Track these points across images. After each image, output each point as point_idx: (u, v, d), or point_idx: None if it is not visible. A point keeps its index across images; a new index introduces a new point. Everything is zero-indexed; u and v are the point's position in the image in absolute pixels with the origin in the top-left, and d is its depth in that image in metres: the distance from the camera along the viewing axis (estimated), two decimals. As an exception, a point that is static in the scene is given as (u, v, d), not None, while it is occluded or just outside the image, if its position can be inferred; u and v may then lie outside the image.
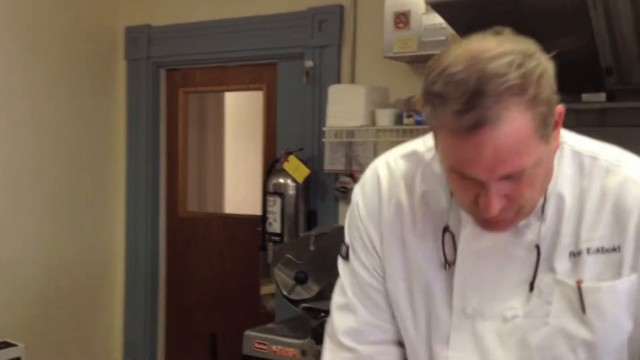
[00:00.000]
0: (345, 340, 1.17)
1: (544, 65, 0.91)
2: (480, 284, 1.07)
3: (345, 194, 3.12)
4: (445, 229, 1.07)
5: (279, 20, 3.27)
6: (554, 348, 1.03)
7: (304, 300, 2.37)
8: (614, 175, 1.03)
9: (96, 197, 3.73)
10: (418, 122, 2.62)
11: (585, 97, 2.15)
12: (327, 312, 1.24)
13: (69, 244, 3.58)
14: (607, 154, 1.05)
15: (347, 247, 1.18)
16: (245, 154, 4.09)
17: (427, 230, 1.10)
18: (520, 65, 0.88)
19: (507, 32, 0.94)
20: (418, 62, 2.84)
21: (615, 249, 1.02)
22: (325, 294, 2.31)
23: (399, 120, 2.72)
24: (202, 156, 3.99)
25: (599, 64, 2.10)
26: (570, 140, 1.07)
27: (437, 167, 1.09)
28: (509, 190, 0.94)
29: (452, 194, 1.06)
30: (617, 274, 1.01)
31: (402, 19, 2.70)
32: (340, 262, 1.20)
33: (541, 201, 1.02)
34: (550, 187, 1.03)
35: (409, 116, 2.66)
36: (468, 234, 1.06)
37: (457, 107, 0.88)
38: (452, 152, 0.92)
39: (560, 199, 1.03)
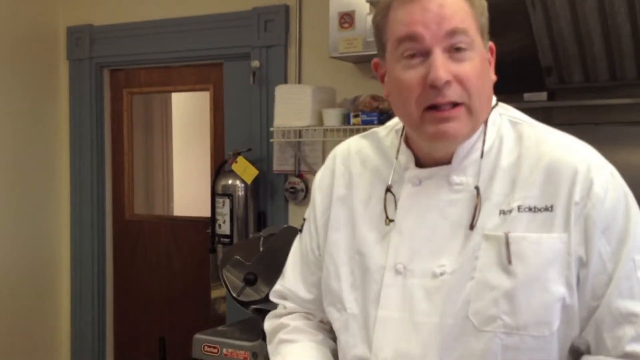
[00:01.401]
0: (274, 298, 1.33)
1: None
2: (413, 242, 1.11)
3: (294, 194, 3.12)
4: (388, 189, 1.15)
5: (225, 20, 3.24)
6: (477, 301, 1.05)
7: (254, 302, 2.35)
8: (550, 142, 1.10)
9: (39, 200, 3.63)
10: (365, 122, 2.63)
11: (527, 96, 2.20)
12: None
13: (10, 248, 3.48)
14: (544, 125, 1.15)
15: (304, 222, 1.30)
16: (193, 155, 4.05)
17: (373, 195, 1.18)
18: None
19: None
20: (364, 62, 2.85)
21: (548, 209, 1.06)
22: (275, 295, 2.30)
23: (346, 120, 2.73)
24: (149, 158, 3.93)
25: (540, 63, 2.15)
26: (510, 112, 1.16)
27: (387, 142, 1.21)
28: (455, 69, 1.03)
29: (396, 157, 1.16)
30: (548, 230, 1.05)
31: (347, 19, 2.71)
32: (297, 237, 1.32)
33: (479, 143, 1.10)
34: (487, 147, 1.11)
35: (356, 116, 2.68)
36: (407, 193, 1.14)
37: None
38: (402, 20, 1.05)
39: (496, 159, 1.11)
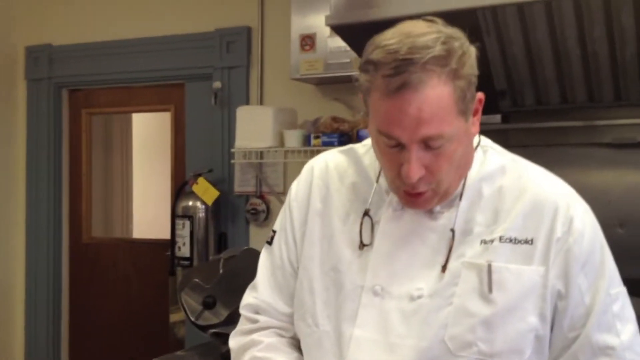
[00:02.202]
0: (245, 312, 1.27)
1: (467, 47, 1.04)
2: (392, 265, 1.12)
3: (255, 215, 3.11)
4: (365, 213, 1.16)
5: (187, 41, 3.25)
6: (454, 326, 1.06)
7: (212, 326, 2.32)
8: (530, 177, 1.14)
9: (-6, 223, 3.56)
10: (325, 143, 2.65)
11: (482, 118, 2.24)
12: None
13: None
14: (526, 161, 1.18)
15: (274, 233, 1.27)
16: (153, 176, 4.02)
17: (350, 214, 1.18)
18: (445, 42, 1.00)
19: (438, 20, 1.06)
20: (324, 83, 2.88)
21: (528, 242, 1.08)
22: (235, 319, 2.26)
23: (306, 141, 2.75)
24: (108, 179, 3.89)
25: (494, 87, 2.20)
26: (494, 145, 1.19)
27: (367, 160, 1.21)
28: (429, 161, 1.04)
29: (377, 181, 1.17)
30: (528, 262, 1.08)
31: (308, 41, 2.74)
32: (264, 249, 1.28)
33: (460, 189, 1.11)
34: (470, 180, 1.12)
35: (317, 137, 2.69)
36: (389, 217, 1.14)
37: (388, 71, 1.00)
38: (381, 114, 1.03)
39: (478, 191, 1.12)
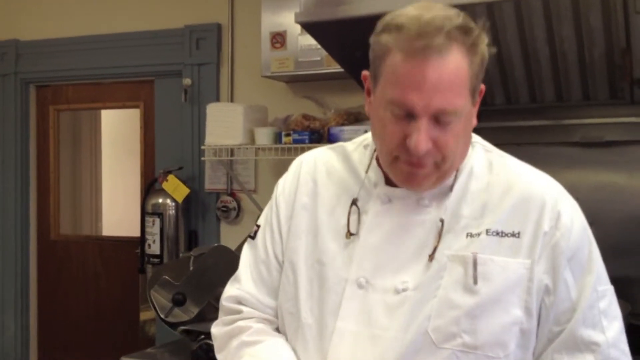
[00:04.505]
0: (228, 303, 1.25)
1: (481, 28, 1.05)
2: (378, 257, 1.12)
3: (226, 213, 3.09)
4: (353, 202, 1.16)
5: (156, 37, 3.21)
6: (438, 318, 1.06)
7: (182, 323, 2.31)
8: (518, 172, 1.14)
9: (-42, 221, 3.49)
10: (296, 141, 2.64)
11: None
12: (207, 334, 1.24)
13: None
14: (513, 157, 1.18)
15: (257, 228, 1.26)
16: (123, 173, 3.97)
17: (337, 207, 1.18)
18: (466, 17, 1.03)
19: None
20: (295, 81, 2.87)
21: (515, 235, 1.09)
22: (205, 316, 2.27)
23: (277, 138, 2.74)
24: (77, 176, 3.83)
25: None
26: (482, 141, 1.19)
27: (356, 157, 1.21)
28: (436, 136, 1.03)
29: (365, 173, 1.17)
30: (514, 255, 1.08)
31: (279, 39, 2.73)
32: (246, 244, 1.27)
33: (451, 180, 1.12)
34: (458, 174, 1.12)
35: (288, 135, 2.69)
36: (377, 209, 1.14)
37: (413, 33, 0.99)
38: (399, 76, 1.01)
39: (466, 185, 1.12)
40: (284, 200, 1.23)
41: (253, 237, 1.26)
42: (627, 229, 2.25)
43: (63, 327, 3.57)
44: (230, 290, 1.26)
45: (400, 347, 1.07)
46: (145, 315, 3.25)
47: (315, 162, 1.24)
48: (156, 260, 3.04)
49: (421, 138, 1.01)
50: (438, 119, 1.02)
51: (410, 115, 1.02)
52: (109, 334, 3.46)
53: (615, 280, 1.16)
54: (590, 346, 1.09)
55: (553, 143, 2.31)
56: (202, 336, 2.21)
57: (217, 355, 1.25)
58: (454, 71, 1.00)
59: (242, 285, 1.24)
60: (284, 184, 1.26)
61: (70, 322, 3.56)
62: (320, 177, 1.22)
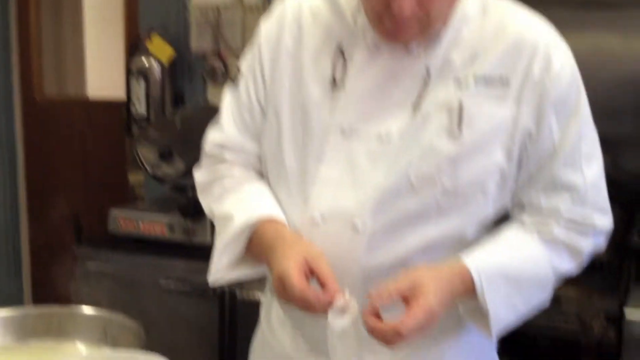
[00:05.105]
0: (210, 148, 1.24)
1: None
2: (363, 105, 1.11)
3: (213, 75, 3.05)
4: (339, 50, 1.13)
5: None
6: (420, 165, 1.08)
7: (170, 178, 2.34)
8: (513, 17, 1.12)
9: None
10: None
11: None
12: (194, 189, 1.26)
13: None
14: (508, 1, 1.15)
15: (239, 73, 1.24)
16: (106, 33, 3.87)
17: (322, 53, 1.15)
18: None
19: None
20: None
21: (503, 80, 1.08)
22: (192, 171, 2.29)
23: (266, -3, 2.66)
24: (58, 36, 3.73)
25: None
26: None
27: (343, 3, 1.16)
28: None
29: (353, 20, 1.13)
30: (500, 101, 1.08)
31: None
32: (227, 88, 1.25)
33: (441, 28, 1.08)
34: (451, 21, 1.09)
35: (277, -8, 2.60)
36: (364, 56, 1.12)
37: None
38: None
39: (458, 32, 1.10)
40: (267, 44, 1.20)
41: (235, 82, 1.24)
42: (619, 90, 2.25)
43: (51, 188, 3.60)
44: (212, 135, 1.25)
45: (381, 192, 1.08)
46: (134, 178, 3.27)
47: (300, 5, 1.19)
48: (143, 121, 3.02)
49: (405, 1, 1.00)
50: None
51: None
52: (98, 193, 3.50)
53: (603, 140, 1.16)
54: (568, 187, 1.11)
55: (548, 2, 2.26)
56: (190, 190, 2.25)
57: (200, 199, 1.27)
58: None
59: (224, 131, 1.22)
60: (267, 29, 1.21)
61: (58, 183, 3.59)
62: (305, 21, 1.18)
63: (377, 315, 1.00)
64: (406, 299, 1.00)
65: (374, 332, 0.99)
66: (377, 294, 1.01)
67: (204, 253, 1.18)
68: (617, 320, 1.65)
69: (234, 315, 2.16)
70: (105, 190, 3.48)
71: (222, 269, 1.17)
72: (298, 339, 1.22)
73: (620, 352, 1.64)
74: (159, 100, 3.05)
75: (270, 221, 1.13)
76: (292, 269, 1.01)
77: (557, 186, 1.11)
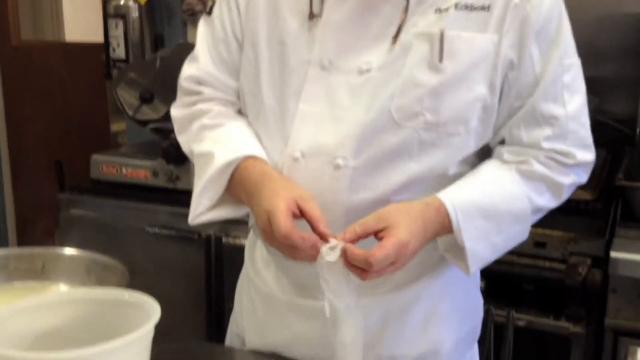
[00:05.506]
0: (187, 84, 1.21)
1: None
2: (342, 37, 1.08)
3: (193, 17, 2.96)
4: None
5: None
6: (401, 97, 1.05)
7: (152, 121, 2.29)
8: None
9: None
10: None
11: None
12: None
13: None
14: None
15: (213, 3, 1.19)
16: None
17: None
18: None
19: None
20: None
21: (485, 8, 1.04)
22: (173, 114, 2.25)
23: None
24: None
25: None
26: None
27: None
28: None
29: None
30: (482, 30, 1.04)
31: None
32: (201, 20, 1.21)
33: None
34: None
35: None
36: None
37: None
38: None
39: None
40: None
41: (209, 13, 1.19)
42: (603, 28, 2.21)
43: (31, 135, 3.55)
44: (188, 69, 1.21)
45: (362, 127, 1.06)
46: (115, 126, 3.22)
47: None
48: (122, 64, 2.95)
49: None
50: None
51: None
52: (79, 138, 3.46)
53: (588, 82, 1.14)
54: (549, 119, 1.09)
55: None
56: (172, 134, 2.20)
57: (178, 138, 1.24)
58: None
59: (200, 65, 1.19)
60: None
61: (38, 129, 3.54)
62: None
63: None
64: (379, 236, 0.99)
65: (350, 259, 0.97)
66: (349, 230, 0.99)
67: (188, 198, 1.15)
68: (603, 261, 1.65)
69: (220, 259, 2.16)
70: (87, 137, 3.43)
71: (202, 208, 1.14)
72: (282, 279, 1.21)
73: (606, 294, 1.65)
74: (138, 43, 2.97)
75: (254, 159, 1.11)
76: (281, 207, 0.99)
77: (537, 119, 1.09)
